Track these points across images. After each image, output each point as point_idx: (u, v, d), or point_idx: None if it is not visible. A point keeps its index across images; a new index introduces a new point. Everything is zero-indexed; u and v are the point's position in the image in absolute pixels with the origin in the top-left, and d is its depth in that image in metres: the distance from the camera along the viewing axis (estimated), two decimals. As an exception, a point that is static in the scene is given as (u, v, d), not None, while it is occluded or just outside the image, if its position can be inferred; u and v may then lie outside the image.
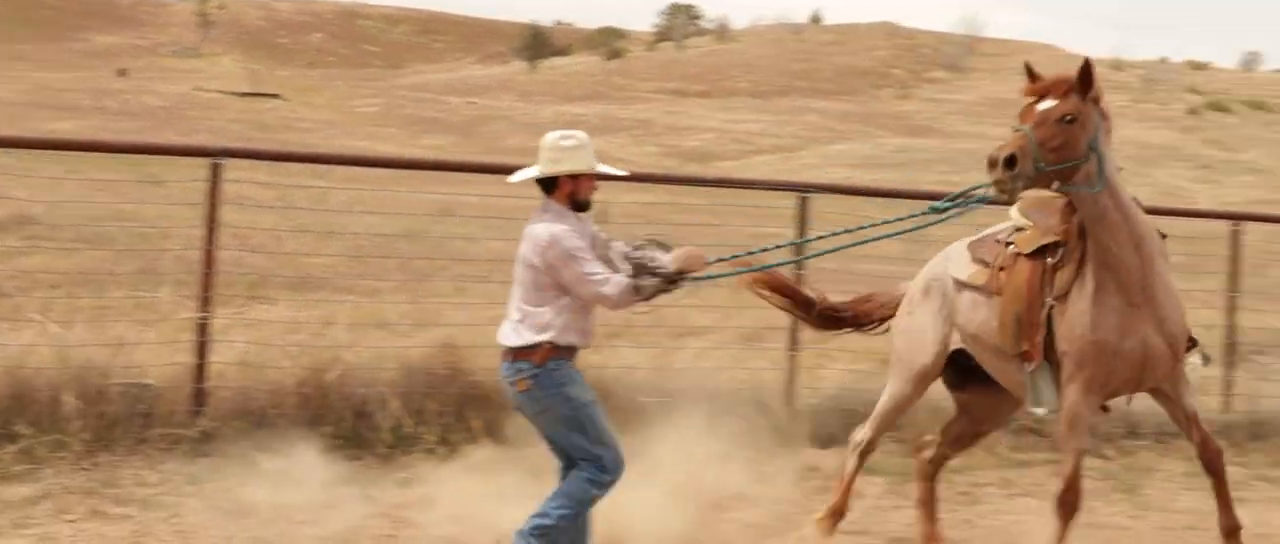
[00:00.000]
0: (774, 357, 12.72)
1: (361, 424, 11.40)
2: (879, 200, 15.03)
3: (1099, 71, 8.19)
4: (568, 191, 7.99)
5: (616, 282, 7.80)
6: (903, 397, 9.77)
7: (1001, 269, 8.97)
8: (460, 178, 13.67)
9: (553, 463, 8.41)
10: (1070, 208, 8.55)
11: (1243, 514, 9.04)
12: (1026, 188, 8.21)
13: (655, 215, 12.55)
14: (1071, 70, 8.30)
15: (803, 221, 12.58)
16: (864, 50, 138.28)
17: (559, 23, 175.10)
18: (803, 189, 12.86)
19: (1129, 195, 8.50)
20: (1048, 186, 8.32)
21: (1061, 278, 8.62)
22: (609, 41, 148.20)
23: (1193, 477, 11.37)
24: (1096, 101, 8.31)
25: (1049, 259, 8.72)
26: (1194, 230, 13.69)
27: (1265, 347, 15.26)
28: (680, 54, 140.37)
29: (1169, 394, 8.84)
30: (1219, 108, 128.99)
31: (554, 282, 7.84)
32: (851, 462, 9.88)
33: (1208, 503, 9.26)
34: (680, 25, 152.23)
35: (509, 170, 13.04)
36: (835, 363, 13.26)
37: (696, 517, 9.54)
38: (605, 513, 8.48)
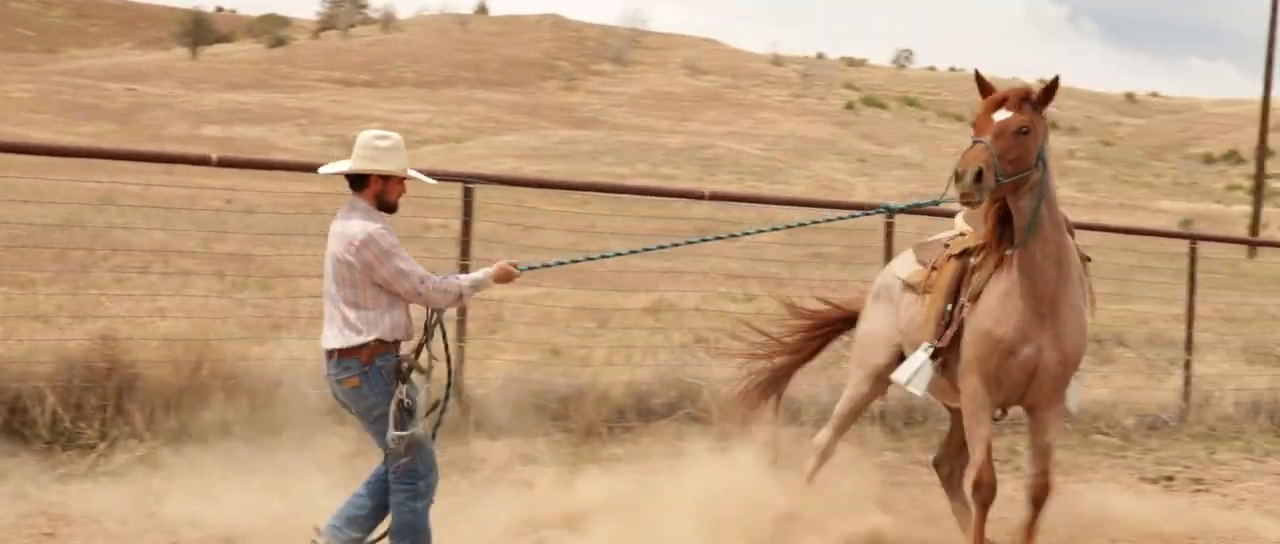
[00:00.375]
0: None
1: (16, 420, 11.05)
2: (543, 192, 15.13)
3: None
4: (376, 191, 7.94)
5: (435, 281, 7.79)
6: (860, 397, 10.13)
7: (934, 269, 9.34)
8: (120, 166, 13.36)
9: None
10: (996, 215, 8.67)
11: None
12: (986, 198, 8.32)
13: (324, 205, 12.44)
14: (1019, 83, 8.52)
15: (468, 213, 12.59)
16: (530, 42, 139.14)
17: (220, 9, 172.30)
18: (468, 180, 12.86)
19: (1062, 213, 8.75)
20: (1004, 197, 8.46)
21: (977, 279, 8.90)
22: (273, 29, 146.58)
23: (858, 460, 11.70)
24: (1042, 114, 8.49)
25: (971, 260, 9.03)
26: (857, 223, 13.97)
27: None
28: (345, 43, 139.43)
29: (1041, 418, 9.05)
30: (874, 103, 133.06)
31: (370, 280, 7.77)
32: (811, 462, 10.10)
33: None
34: (345, 14, 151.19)
35: (171, 159, 12.71)
36: (503, 353, 13.31)
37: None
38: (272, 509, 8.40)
